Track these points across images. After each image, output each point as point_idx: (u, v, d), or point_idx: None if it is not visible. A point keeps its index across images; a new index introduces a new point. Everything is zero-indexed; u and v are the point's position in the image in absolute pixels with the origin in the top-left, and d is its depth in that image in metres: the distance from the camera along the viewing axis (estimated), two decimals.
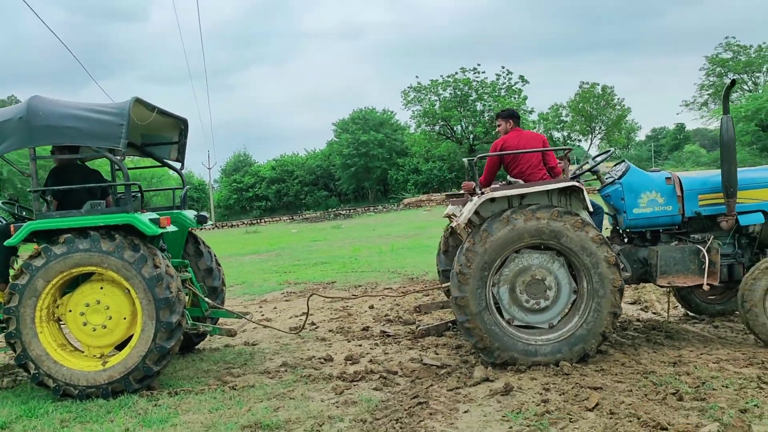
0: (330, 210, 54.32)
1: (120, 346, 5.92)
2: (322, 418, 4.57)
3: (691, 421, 3.97)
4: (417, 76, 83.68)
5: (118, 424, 4.80)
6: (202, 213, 7.14)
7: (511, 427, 4.14)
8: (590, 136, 64.71)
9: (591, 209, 5.66)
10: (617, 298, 5.38)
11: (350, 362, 6.13)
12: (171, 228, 6.14)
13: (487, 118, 53.36)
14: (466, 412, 4.51)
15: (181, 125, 7.27)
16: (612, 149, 6.43)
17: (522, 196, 5.67)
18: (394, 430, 4.21)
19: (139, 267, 5.50)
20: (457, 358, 5.97)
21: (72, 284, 5.89)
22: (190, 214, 6.97)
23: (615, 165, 6.43)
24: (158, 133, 7.24)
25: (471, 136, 55.67)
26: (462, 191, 6.48)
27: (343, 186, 66.46)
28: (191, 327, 6.20)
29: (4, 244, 5.80)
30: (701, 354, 5.48)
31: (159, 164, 7.65)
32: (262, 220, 52.74)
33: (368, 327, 7.69)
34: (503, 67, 58.11)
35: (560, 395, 4.64)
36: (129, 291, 5.61)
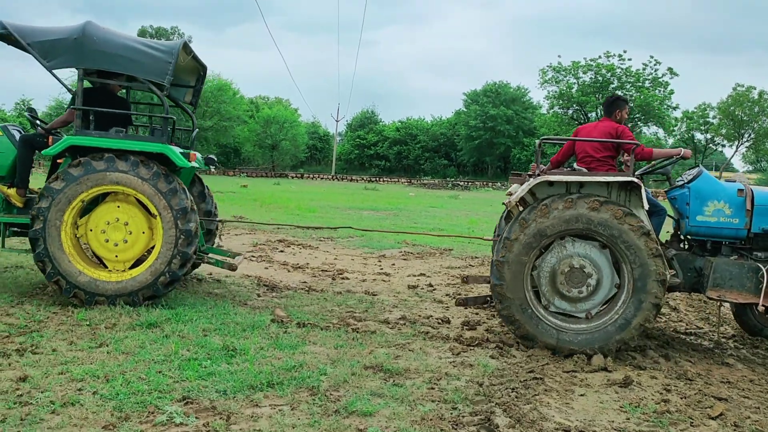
0: (448, 179, 54.34)
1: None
2: (439, 373, 4.78)
3: None
4: (559, 56, 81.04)
5: (253, 341, 5.25)
6: (210, 156, 7.52)
7: (628, 419, 4.15)
8: (737, 142, 60.17)
9: (647, 207, 5.52)
10: (660, 288, 5.30)
11: (467, 327, 6.29)
12: (195, 164, 6.56)
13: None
14: (582, 395, 4.56)
15: (200, 71, 7.61)
16: (682, 152, 6.02)
17: (581, 185, 5.64)
18: (509, 398, 4.33)
19: (168, 197, 6.09)
20: None
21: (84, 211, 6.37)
22: (198, 155, 7.20)
23: (689, 169, 6.21)
24: (180, 76, 7.49)
25: None
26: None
27: (463, 157, 66.14)
28: (197, 257, 6.63)
29: (42, 152, 6.32)
30: None
31: (173, 104, 7.87)
32: (380, 179, 53.68)
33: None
34: (651, 57, 54.88)
35: (682, 398, 4.57)
36: (147, 208, 6.20)
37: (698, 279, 5.82)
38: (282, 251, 10.90)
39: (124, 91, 7.48)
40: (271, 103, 75.27)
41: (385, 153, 69.10)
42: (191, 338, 5.23)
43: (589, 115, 54.89)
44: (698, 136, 62.21)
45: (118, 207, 6.28)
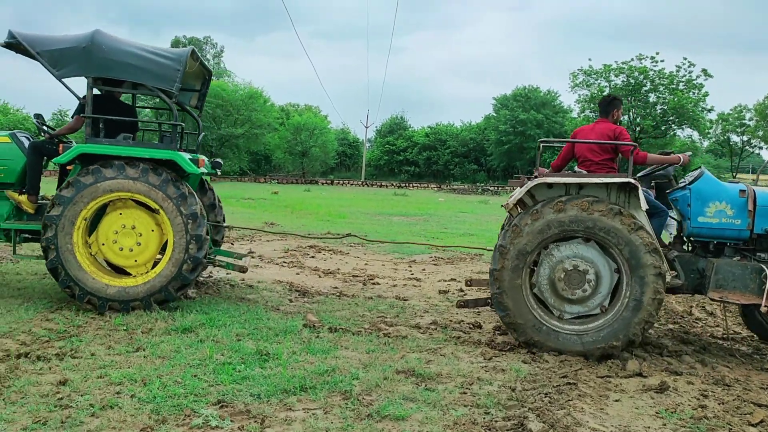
0: (478, 184, 54.11)
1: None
2: (471, 378, 4.77)
3: None
4: (590, 59, 79.73)
5: (286, 346, 5.30)
6: (217, 159, 7.55)
7: (664, 425, 4.09)
8: None
9: (645, 208, 5.47)
10: (654, 256, 5.25)
11: (498, 332, 6.26)
12: (203, 169, 6.60)
13: (659, 111, 50.11)
14: (616, 401, 4.50)
15: (206, 75, 7.66)
16: (681, 160, 5.93)
17: (580, 187, 5.63)
18: (542, 403, 4.30)
19: (163, 188, 6.16)
20: None
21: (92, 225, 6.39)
22: (206, 160, 7.19)
23: (692, 170, 6.14)
24: (187, 80, 7.48)
25: (638, 128, 52.61)
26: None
27: (493, 162, 65.73)
28: (208, 260, 6.70)
29: (53, 161, 6.37)
30: None
31: (180, 109, 7.85)
32: (410, 185, 53.67)
33: None
34: (685, 59, 53.93)
35: (720, 404, 4.48)
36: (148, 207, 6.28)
37: (701, 280, 5.79)
38: (313, 257, 10.98)
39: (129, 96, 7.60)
40: (301, 110, 75.83)
41: (415, 159, 69.01)
42: (225, 343, 5.30)
43: (622, 118, 54.13)
44: (734, 138, 61.02)
45: (121, 214, 6.35)
